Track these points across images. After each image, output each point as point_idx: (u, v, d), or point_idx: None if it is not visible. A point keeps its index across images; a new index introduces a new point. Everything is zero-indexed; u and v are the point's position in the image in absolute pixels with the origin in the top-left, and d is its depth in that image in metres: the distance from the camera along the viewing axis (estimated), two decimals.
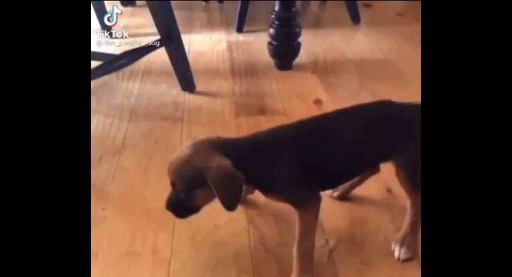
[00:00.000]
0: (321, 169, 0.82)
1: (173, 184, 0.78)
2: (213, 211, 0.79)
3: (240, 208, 1.01)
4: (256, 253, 0.89)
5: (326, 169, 0.83)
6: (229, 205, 0.73)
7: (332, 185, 0.90)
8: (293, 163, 0.79)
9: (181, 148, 0.78)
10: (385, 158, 0.86)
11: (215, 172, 0.73)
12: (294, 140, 0.81)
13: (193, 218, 0.81)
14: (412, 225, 0.88)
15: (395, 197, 1.03)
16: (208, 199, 0.78)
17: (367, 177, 1.01)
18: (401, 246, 0.87)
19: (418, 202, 0.86)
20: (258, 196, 1.02)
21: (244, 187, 0.74)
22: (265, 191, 0.82)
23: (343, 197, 1.03)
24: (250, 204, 1.01)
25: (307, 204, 0.81)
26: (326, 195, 1.01)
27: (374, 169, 0.98)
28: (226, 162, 0.74)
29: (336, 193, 1.03)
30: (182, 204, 0.78)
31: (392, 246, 0.89)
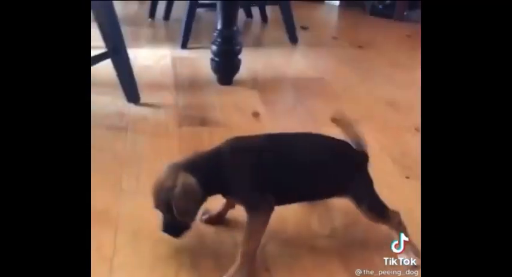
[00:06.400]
0: (277, 184, 0.89)
1: (157, 207, 0.86)
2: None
3: None
4: (197, 250, 0.96)
5: (282, 186, 0.90)
6: (182, 215, 0.83)
7: (284, 202, 0.94)
8: (254, 171, 0.88)
9: (160, 173, 0.86)
10: (338, 192, 0.93)
11: (178, 188, 0.82)
12: (259, 149, 0.90)
13: (136, 218, 0.87)
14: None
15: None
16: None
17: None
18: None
19: (393, 223, 0.93)
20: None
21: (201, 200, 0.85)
22: (226, 194, 0.91)
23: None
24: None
25: (259, 209, 0.88)
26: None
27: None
28: (190, 179, 0.83)
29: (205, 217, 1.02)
30: (172, 225, 0.87)
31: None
